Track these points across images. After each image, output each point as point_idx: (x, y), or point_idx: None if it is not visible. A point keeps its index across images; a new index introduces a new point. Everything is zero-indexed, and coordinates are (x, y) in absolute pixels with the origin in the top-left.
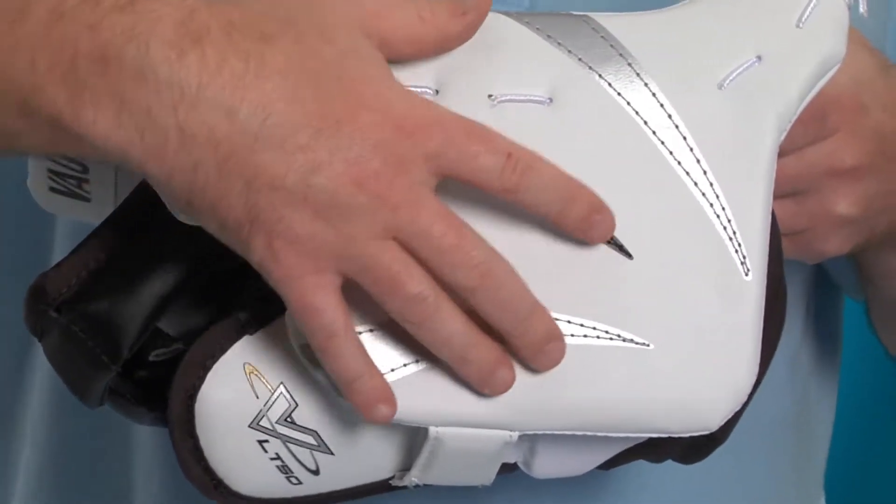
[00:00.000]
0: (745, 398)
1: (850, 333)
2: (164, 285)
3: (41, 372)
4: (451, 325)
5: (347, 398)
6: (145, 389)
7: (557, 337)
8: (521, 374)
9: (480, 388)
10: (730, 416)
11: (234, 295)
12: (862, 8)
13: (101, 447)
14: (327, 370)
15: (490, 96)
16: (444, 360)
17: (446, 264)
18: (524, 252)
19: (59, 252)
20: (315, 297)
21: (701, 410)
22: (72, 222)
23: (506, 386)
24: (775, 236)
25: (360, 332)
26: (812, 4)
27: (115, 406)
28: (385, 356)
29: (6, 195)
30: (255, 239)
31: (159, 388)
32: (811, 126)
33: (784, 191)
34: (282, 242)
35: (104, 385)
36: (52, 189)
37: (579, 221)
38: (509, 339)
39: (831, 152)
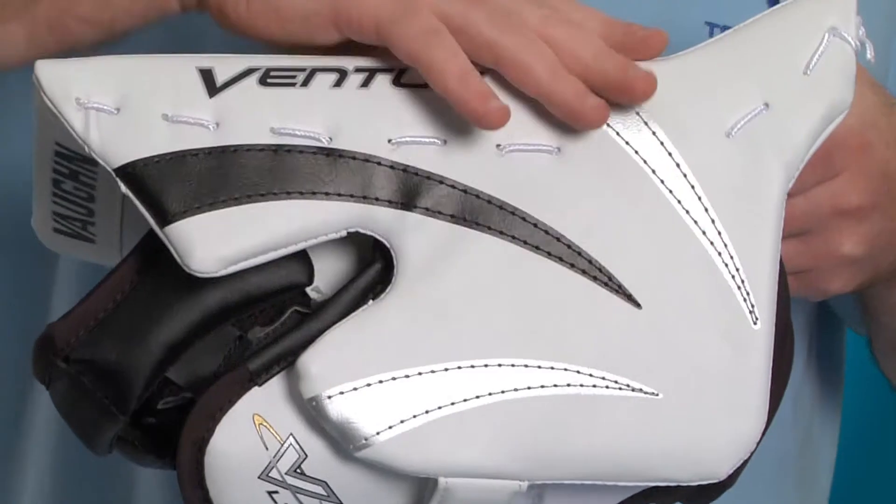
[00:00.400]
0: (753, 447)
1: (852, 360)
2: (172, 335)
3: (43, 412)
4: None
5: (458, 96)
6: (154, 436)
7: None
8: (531, 422)
9: (574, 120)
10: (738, 465)
11: (242, 344)
12: (869, 54)
13: (105, 485)
14: (432, 78)
15: (498, 146)
16: (531, 90)
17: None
18: (534, 301)
19: (61, 287)
20: (403, 20)
21: (709, 459)
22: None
23: (600, 112)
24: (782, 281)
25: (370, 384)
26: (820, 51)
27: (123, 453)
28: (394, 408)
29: (6, 229)
30: None
31: (168, 434)
32: (818, 167)
33: (790, 231)
34: None
35: (113, 434)
36: (56, 230)
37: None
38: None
39: (837, 193)
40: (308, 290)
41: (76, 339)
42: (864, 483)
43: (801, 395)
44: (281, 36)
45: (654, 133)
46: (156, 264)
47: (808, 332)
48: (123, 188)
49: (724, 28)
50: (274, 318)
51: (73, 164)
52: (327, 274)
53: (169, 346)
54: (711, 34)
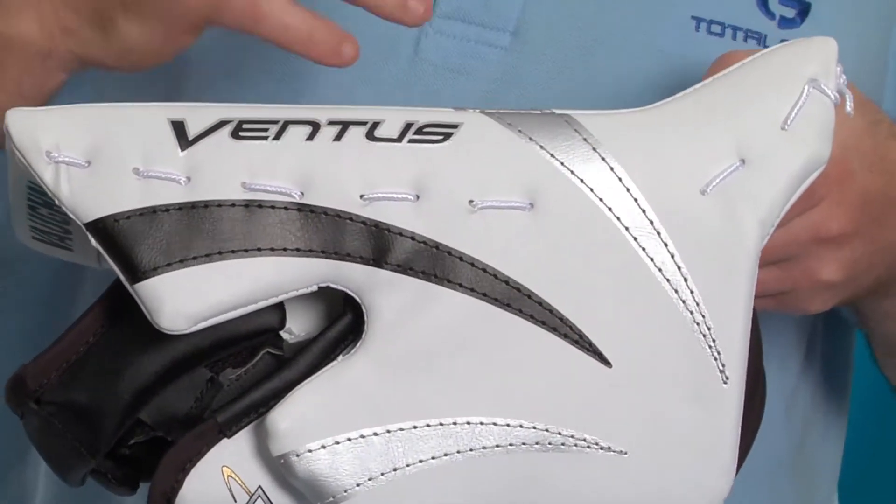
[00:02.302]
0: (722, 501)
1: (860, 358)
2: (142, 380)
3: None
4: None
5: (310, 54)
6: (126, 467)
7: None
8: (501, 479)
9: (329, 60)
10: None
11: (213, 386)
12: (849, 106)
13: None
14: (277, 39)
15: (471, 202)
16: (291, 47)
17: None
18: (504, 359)
19: (86, 289)
20: None
21: None
22: None
23: (352, 57)
24: (755, 327)
25: (338, 442)
26: (799, 105)
27: (98, 482)
28: (363, 466)
29: None
30: None
31: (140, 467)
32: (798, 200)
33: (768, 259)
34: None
35: (85, 471)
36: (35, 238)
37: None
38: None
39: (817, 222)
40: (281, 332)
41: (47, 381)
42: (868, 480)
43: (796, 397)
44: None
45: (628, 190)
46: (126, 309)
47: (807, 332)
48: (94, 243)
49: (711, 23)
50: (246, 360)
51: (47, 197)
52: (299, 315)
53: (139, 390)
54: (697, 29)
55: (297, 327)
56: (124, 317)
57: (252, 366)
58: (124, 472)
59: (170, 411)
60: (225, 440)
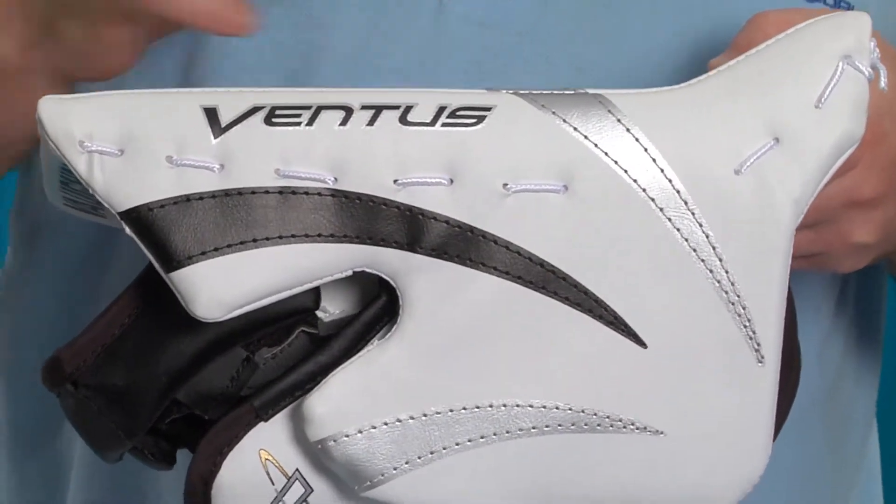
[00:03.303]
0: (756, 480)
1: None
2: (179, 361)
3: None
4: None
5: (200, 24)
6: (165, 441)
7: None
8: (537, 461)
9: (222, 29)
10: (741, 498)
11: (249, 365)
12: (883, 82)
13: None
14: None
15: (505, 185)
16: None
17: None
18: (539, 341)
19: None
20: None
21: (713, 494)
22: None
23: (244, 25)
24: (789, 304)
25: (375, 426)
26: (834, 83)
27: (136, 458)
28: (399, 450)
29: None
30: None
31: (178, 441)
32: None
33: (803, 224)
34: None
35: (122, 451)
36: (67, 206)
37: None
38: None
39: (850, 187)
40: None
41: (83, 364)
42: None
43: (829, 342)
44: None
45: (662, 170)
46: (161, 292)
47: (840, 277)
48: (128, 231)
49: None
50: (281, 339)
51: None
52: (334, 293)
53: (176, 372)
54: None
55: (332, 305)
56: (159, 299)
57: (287, 345)
58: (161, 447)
59: (206, 390)
60: (262, 424)
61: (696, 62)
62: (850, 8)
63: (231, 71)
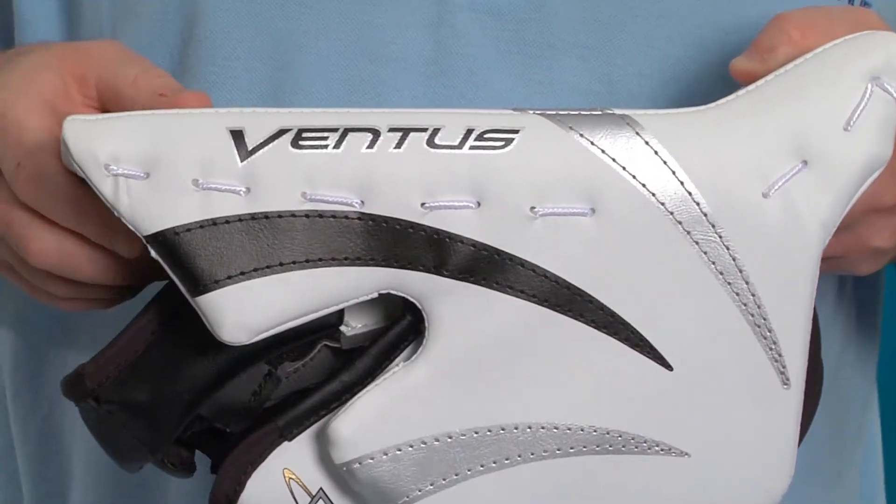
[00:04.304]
0: (779, 499)
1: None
2: (203, 378)
3: None
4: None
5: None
6: (184, 449)
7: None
8: (561, 483)
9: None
10: None
11: (272, 380)
12: None
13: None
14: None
15: (532, 209)
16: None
17: None
18: (564, 363)
19: None
20: None
21: None
22: None
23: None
24: (814, 322)
25: (401, 449)
26: (863, 106)
27: (156, 466)
28: (425, 472)
29: None
30: None
31: (196, 447)
32: None
33: None
34: None
35: (143, 463)
36: None
37: None
38: None
39: (872, 194)
40: None
41: (106, 380)
42: None
43: (830, 328)
44: None
45: (690, 194)
46: (184, 308)
47: None
48: (154, 255)
49: None
50: (304, 353)
51: None
52: (357, 307)
53: (199, 388)
54: None
55: (355, 320)
56: (182, 315)
57: (310, 359)
58: (182, 456)
59: (228, 404)
60: (286, 443)
61: (703, 49)
62: (868, 6)
63: (222, 59)
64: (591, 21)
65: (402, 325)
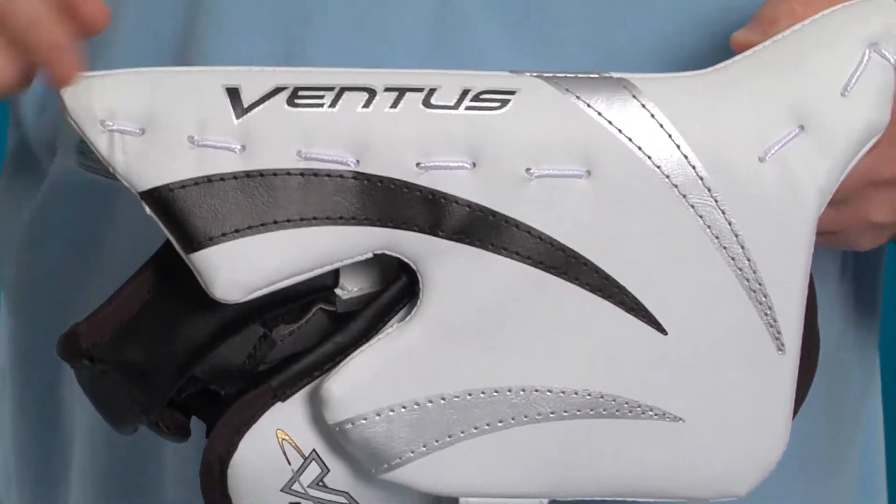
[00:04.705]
0: (773, 466)
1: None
2: (197, 338)
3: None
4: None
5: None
6: (179, 412)
7: (63, 48)
8: (555, 446)
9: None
10: (759, 483)
11: (267, 342)
12: None
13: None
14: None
15: (528, 170)
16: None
17: None
18: (558, 326)
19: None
20: None
21: (731, 480)
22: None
23: (68, 69)
24: (810, 289)
25: (393, 410)
26: (860, 71)
27: (150, 429)
28: (418, 433)
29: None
30: None
31: (192, 412)
32: None
33: None
34: None
35: (137, 425)
36: (83, 166)
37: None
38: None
39: (871, 167)
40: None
41: (100, 340)
42: None
43: (831, 306)
44: None
45: (685, 157)
46: (179, 269)
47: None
48: (148, 212)
49: None
50: (299, 316)
51: None
52: (352, 270)
53: (194, 349)
54: None
55: (350, 283)
56: (177, 276)
57: (305, 322)
58: (176, 419)
59: (223, 366)
60: (279, 404)
61: (708, 34)
62: None
63: (228, 33)
64: (597, 7)
65: (397, 287)
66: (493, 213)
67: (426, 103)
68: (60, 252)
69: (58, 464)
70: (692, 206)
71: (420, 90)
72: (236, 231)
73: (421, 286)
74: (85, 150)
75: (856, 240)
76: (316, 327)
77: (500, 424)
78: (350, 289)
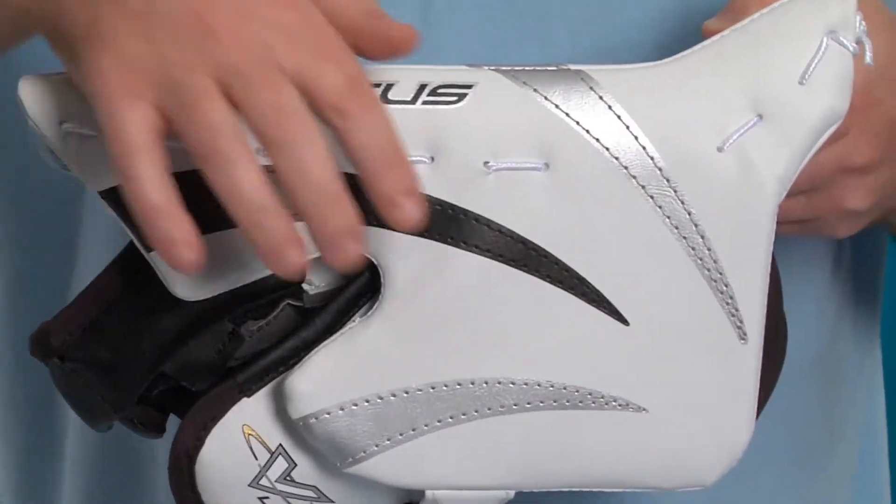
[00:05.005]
0: (739, 455)
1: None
2: (165, 335)
3: None
4: (246, 177)
5: (148, 236)
6: (154, 410)
7: (356, 236)
8: (519, 438)
9: (267, 261)
10: (725, 472)
11: (235, 338)
12: (868, 57)
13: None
14: (128, 200)
15: (486, 164)
16: (238, 221)
17: (257, 105)
18: (520, 319)
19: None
20: (123, 115)
21: (697, 469)
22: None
23: (294, 268)
24: (774, 276)
25: (357, 404)
26: (818, 59)
27: (125, 426)
28: (381, 427)
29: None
30: (87, 56)
31: (166, 409)
32: None
33: (795, 191)
34: (109, 58)
35: (111, 422)
36: (57, 165)
37: (388, 192)
38: (306, 219)
39: (842, 153)
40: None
41: (70, 338)
42: None
43: (827, 300)
44: None
45: (643, 148)
46: (147, 266)
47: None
48: (109, 211)
49: None
50: (267, 312)
51: None
52: (319, 266)
53: (162, 346)
54: None
55: (318, 278)
56: (145, 273)
57: (273, 317)
58: (151, 416)
59: (192, 363)
60: (245, 399)
61: (691, 25)
62: None
63: None
64: None
65: (360, 282)
66: (452, 207)
67: (383, 98)
68: (48, 246)
69: (51, 462)
70: (651, 197)
71: (377, 86)
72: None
73: (382, 280)
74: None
75: (832, 227)
76: (284, 323)
77: (463, 417)
78: (317, 284)
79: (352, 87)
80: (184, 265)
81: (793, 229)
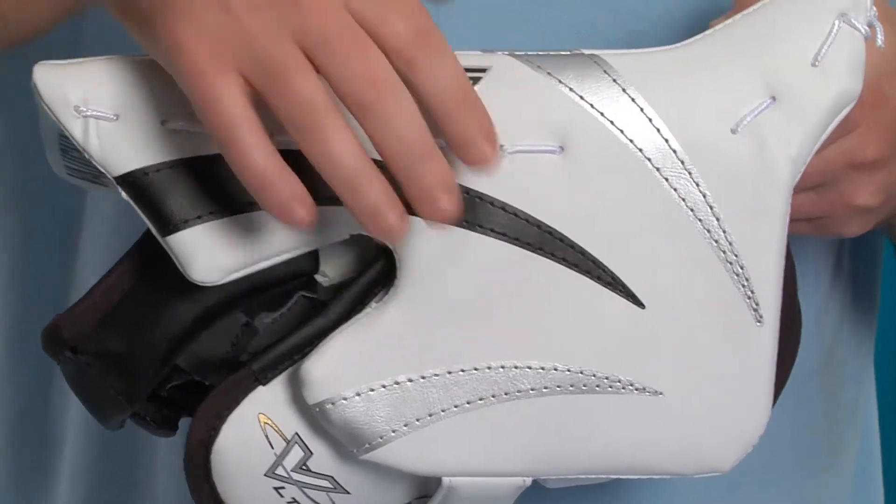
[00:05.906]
0: (756, 440)
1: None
2: (178, 328)
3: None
4: (341, 144)
5: (260, 200)
6: (166, 408)
7: (452, 189)
8: (536, 423)
9: (367, 225)
10: (742, 457)
11: (249, 330)
12: (879, 40)
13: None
14: (236, 172)
15: (501, 147)
16: (335, 188)
17: (345, 72)
18: (536, 303)
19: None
20: (218, 89)
21: (714, 454)
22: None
23: (396, 233)
24: (789, 262)
25: (373, 389)
26: (829, 41)
27: (137, 424)
28: (397, 412)
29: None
30: (164, 29)
31: (179, 407)
32: (833, 128)
33: (804, 185)
34: (190, 31)
35: (123, 418)
36: (69, 174)
37: (464, 133)
38: (399, 179)
39: (852, 149)
40: (315, 275)
41: (83, 331)
42: None
43: (826, 307)
44: None
45: (658, 130)
46: (159, 258)
47: (836, 242)
48: (124, 195)
49: None
50: (281, 304)
51: None
52: (333, 257)
53: (175, 338)
54: None
55: (331, 270)
56: (158, 265)
57: (287, 309)
58: (163, 413)
59: (206, 356)
60: (260, 388)
61: (697, 22)
62: None
63: None
64: None
65: (375, 269)
66: (468, 191)
67: None
68: (49, 249)
69: (50, 461)
70: (666, 180)
71: None
72: (211, 213)
73: (398, 265)
74: (66, 148)
75: (842, 225)
76: (298, 315)
77: (480, 402)
78: (331, 276)
79: (420, 35)
80: (302, 221)
81: (803, 227)
